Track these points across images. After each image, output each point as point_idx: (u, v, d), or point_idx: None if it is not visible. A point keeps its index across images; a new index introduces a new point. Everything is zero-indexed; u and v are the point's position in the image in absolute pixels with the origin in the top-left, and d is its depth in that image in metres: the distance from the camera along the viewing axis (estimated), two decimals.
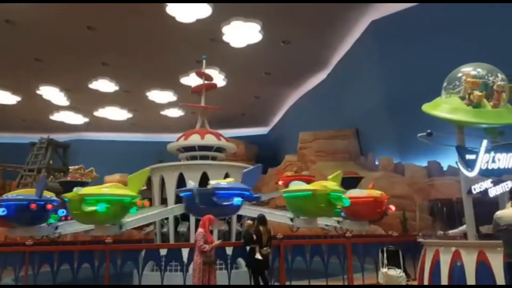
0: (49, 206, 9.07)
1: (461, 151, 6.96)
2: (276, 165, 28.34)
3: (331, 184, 9.18)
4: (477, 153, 6.76)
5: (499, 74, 7.28)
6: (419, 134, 7.33)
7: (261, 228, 8.25)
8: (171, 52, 21.39)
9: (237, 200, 8.42)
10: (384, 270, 7.87)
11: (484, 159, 6.71)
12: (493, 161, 6.71)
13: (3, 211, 8.68)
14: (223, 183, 8.99)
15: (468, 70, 7.37)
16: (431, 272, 7.12)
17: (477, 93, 7.05)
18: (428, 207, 17.13)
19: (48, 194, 9.54)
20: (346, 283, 8.98)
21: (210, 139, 12.47)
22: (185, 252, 8.47)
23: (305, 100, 28.18)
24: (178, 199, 10.38)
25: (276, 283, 8.74)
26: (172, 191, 11.20)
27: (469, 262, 6.41)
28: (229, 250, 8.76)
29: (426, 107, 7.75)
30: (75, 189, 8.25)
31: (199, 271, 7.29)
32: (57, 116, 30.99)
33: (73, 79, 24.57)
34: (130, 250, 9.04)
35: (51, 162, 27.49)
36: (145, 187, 19.52)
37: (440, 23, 16.59)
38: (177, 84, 24.84)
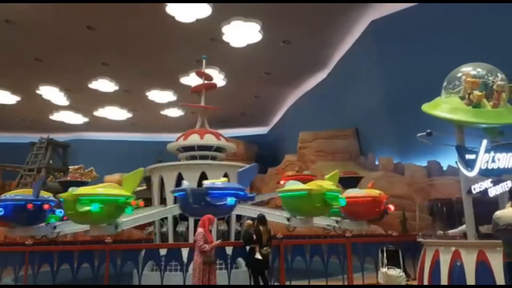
0: (45, 206, 9.14)
1: (461, 151, 6.96)
2: (276, 165, 28.35)
3: (327, 184, 9.14)
4: (477, 153, 6.76)
5: (499, 74, 7.28)
6: (419, 134, 7.33)
7: (261, 228, 8.26)
8: (171, 51, 21.39)
9: (230, 200, 8.39)
10: (384, 270, 7.87)
11: (484, 159, 6.71)
12: (493, 161, 6.72)
13: (1, 211, 8.73)
14: (218, 183, 8.98)
15: (468, 70, 7.37)
16: (431, 272, 7.13)
17: (477, 93, 7.05)
18: (428, 207, 17.11)
19: (45, 194, 9.59)
20: (346, 283, 8.98)
21: (209, 139, 12.47)
22: (184, 252, 8.48)
23: (305, 100, 28.18)
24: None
25: (276, 283, 8.75)
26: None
27: (469, 262, 6.41)
28: (229, 250, 8.77)
29: (426, 107, 7.76)
30: (70, 189, 8.32)
31: (199, 271, 7.30)
32: (57, 116, 30.97)
33: (73, 79, 24.56)
34: (130, 250, 9.07)
35: (51, 162, 27.46)
36: (145, 187, 19.56)
37: (439, 23, 16.59)
38: (177, 84, 24.84)
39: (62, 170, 27.97)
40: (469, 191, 6.85)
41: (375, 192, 10.52)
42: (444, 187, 16.97)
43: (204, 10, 17.54)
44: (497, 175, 6.76)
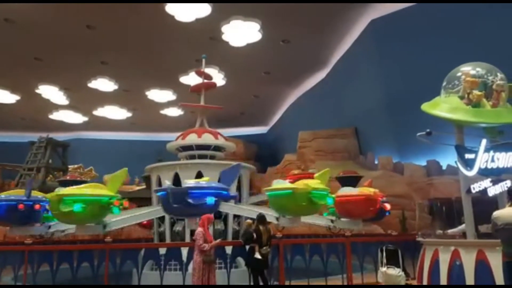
0: (37, 206, 9.27)
1: (460, 150, 6.96)
2: (275, 164, 28.38)
3: (313, 183, 9.09)
4: (476, 152, 6.76)
5: (498, 74, 7.29)
6: (419, 134, 7.34)
7: (261, 227, 8.26)
8: (171, 51, 21.37)
9: (209, 200, 8.32)
10: (383, 269, 7.87)
11: (483, 158, 6.71)
12: (492, 160, 6.73)
13: None
14: (202, 182, 8.94)
15: (468, 70, 7.38)
16: (430, 271, 7.13)
17: (476, 92, 7.06)
18: (427, 206, 17.16)
19: (39, 195, 9.75)
20: (345, 283, 8.99)
21: (207, 138, 12.49)
22: (184, 251, 8.49)
23: (304, 99, 28.17)
24: None
25: (275, 283, 8.75)
26: None
27: (468, 261, 6.41)
28: (228, 249, 8.77)
29: (426, 107, 7.76)
30: (56, 189, 8.36)
31: (199, 270, 7.31)
32: (56, 115, 30.93)
33: (73, 78, 24.52)
34: (130, 249, 9.07)
35: (50, 161, 27.41)
36: (144, 186, 19.54)
37: (439, 23, 16.58)
38: (177, 83, 24.81)
39: (61, 169, 27.94)
40: (469, 191, 6.86)
41: (369, 191, 10.18)
42: (444, 186, 16.98)
43: (203, 10, 17.53)
44: (497, 175, 6.76)
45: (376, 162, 22.41)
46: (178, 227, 11.10)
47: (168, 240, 11.15)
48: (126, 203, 8.58)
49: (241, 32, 19.22)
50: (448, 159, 16.99)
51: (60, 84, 25.63)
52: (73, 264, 8.25)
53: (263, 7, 17.41)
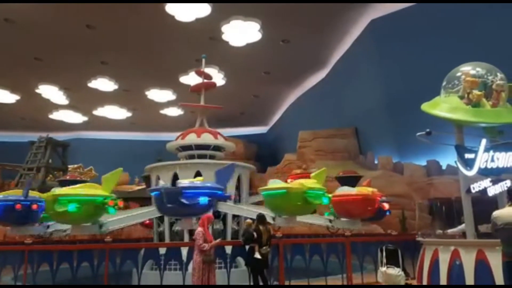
0: (34, 206, 9.26)
1: (460, 150, 6.96)
2: (275, 164, 28.38)
3: (309, 182, 9.04)
4: (476, 152, 6.77)
5: (498, 74, 7.29)
6: (418, 133, 7.34)
7: (260, 227, 8.26)
8: (171, 51, 21.37)
9: (202, 200, 8.24)
10: (383, 269, 7.86)
11: (483, 158, 6.72)
12: (492, 160, 6.73)
13: None
14: (197, 182, 8.89)
15: (467, 69, 7.39)
16: (430, 271, 7.14)
17: (476, 92, 7.06)
18: (427, 206, 17.17)
19: (36, 195, 9.72)
20: (345, 282, 8.99)
21: (206, 138, 12.49)
22: (184, 251, 8.49)
23: (304, 99, 28.17)
24: None
25: (275, 282, 8.75)
26: None
27: (468, 261, 6.42)
28: (228, 249, 8.77)
29: (425, 106, 7.76)
30: (52, 189, 8.36)
31: (199, 270, 7.31)
32: (56, 115, 30.92)
33: (72, 78, 24.52)
34: (129, 249, 9.07)
35: (50, 161, 27.41)
36: (144, 186, 19.52)
37: (439, 23, 16.58)
38: (177, 83, 24.81)
39: (61, 169, 27.94)
40: (468, 190, 6.86)
41: (367, 190, 10.08)
42: (443, 186, 16.99)
43: (203, 10, 17.53)
44: (496, 174, 6.77)
45: (376, 162, 22.41)
46: (177, 227, 11.10)
47: (167, 240, 11.14)
48: (121, 203, 8.56)
49: (241, 32, 19.23)
50: (448, 159, 17.00)
51: (60, 84, 25.63)
52: (73, 264, 8.24)
53: (263, 7, 17.41)
